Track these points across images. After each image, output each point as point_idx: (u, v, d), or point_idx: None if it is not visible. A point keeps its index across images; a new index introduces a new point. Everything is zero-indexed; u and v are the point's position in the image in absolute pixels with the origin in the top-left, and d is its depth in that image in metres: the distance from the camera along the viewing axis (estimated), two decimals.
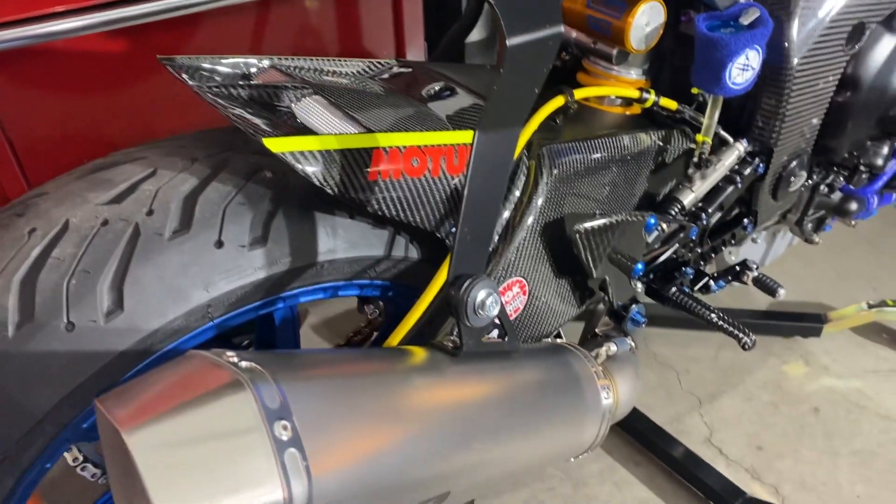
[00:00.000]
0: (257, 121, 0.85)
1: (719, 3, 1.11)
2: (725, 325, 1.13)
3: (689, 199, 1.18)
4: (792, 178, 1.29)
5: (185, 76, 0.91)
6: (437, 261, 0.97)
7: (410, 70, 1.17)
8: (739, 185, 1.22)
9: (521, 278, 1.04)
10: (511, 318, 1.06)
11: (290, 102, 0.95)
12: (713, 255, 1.32)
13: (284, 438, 0.60)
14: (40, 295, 0.76)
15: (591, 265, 1.05)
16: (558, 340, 1.04)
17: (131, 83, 1.44)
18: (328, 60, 1.10)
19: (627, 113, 1.26)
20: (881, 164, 1.40)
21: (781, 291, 1.26)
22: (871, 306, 1.99)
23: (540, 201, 1.03)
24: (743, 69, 1.09)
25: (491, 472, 0.81)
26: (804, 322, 2.05)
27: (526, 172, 1.03)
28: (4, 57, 1.26)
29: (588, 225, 1.01)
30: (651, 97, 1.18)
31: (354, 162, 0.87)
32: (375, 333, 1.24)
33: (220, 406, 0.60)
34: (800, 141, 1.27)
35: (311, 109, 0.93)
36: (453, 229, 0.90)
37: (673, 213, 1.17)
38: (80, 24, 1.22)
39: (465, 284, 0.79)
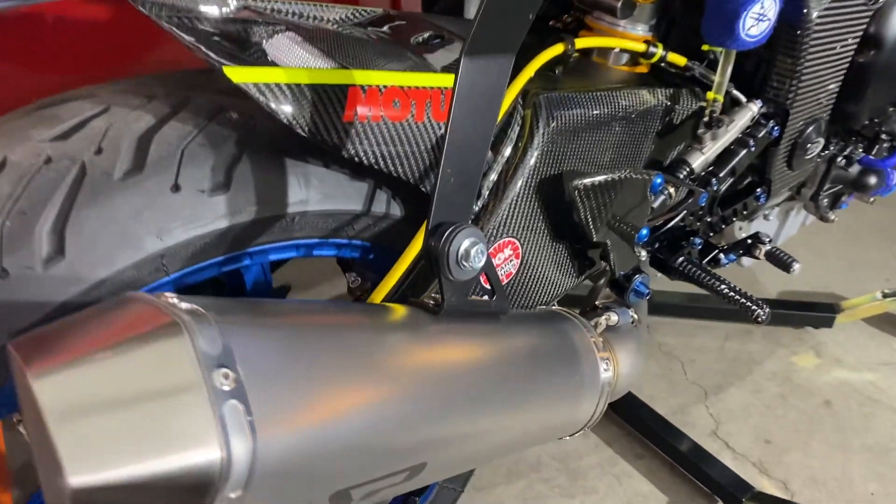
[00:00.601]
0: (219, 51, 0.76)
1: None
2: (737, 297, 1.04)
3: (698, 161, 1.09)
4: (808, 145, 1.21)
5: (142, 7, 0.82)
6: (423, 220, 0.88)
7: (401, 19, 1.08)
8: (753, 149, 1.14)
9: (513, 239, 0.95)
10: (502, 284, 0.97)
11: (261, 39, 0.86)
12: (724, 227, 1.23)
13: (225, 389, 0.51)
14: None
15: (591, 227, 0.96)
16: (554, 307, 0.94)
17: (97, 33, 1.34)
18: (311, 5, 1.01)
19: (636, 71, 1.17)
20: None
21: (796, 266, 1.18)
22: (885, 296, 1.94)
23: (535, 154, 0.94)
24: (758, 19, 1.00)
25: (473, 446, 0.71)
26: (816, 311, 1.98)
27: (520, 123, 0.94)
28: None
29: (588, 181, 0.92)
30: (658, 51, 1.09)
31: (328, 100, 0.78)
32: None
33: (150, 350, 0.51)
34: (817, 104, 1.19)
35: (283, 46, 0.84)
36: None
37: (681, 175, 1.08)
38: None
39: (448, 233, 0.71)
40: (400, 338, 0.68)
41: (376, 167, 0.84)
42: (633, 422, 1.65)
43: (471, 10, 1.70)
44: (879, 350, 1.93)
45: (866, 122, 1.28)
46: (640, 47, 1.08)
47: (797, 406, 1.75)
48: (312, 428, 0.57)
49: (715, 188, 1.13)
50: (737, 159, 1.13)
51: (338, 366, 0.60)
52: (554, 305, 0.98)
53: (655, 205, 1.04)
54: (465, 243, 0.71)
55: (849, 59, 1.19)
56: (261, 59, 0.80)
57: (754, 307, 1.03)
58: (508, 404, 0.74)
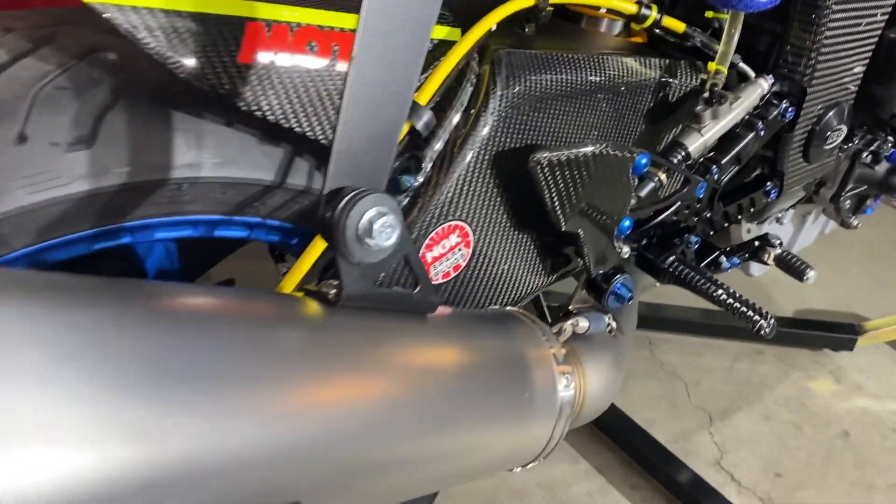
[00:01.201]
0: None
1: None
2: (737, 304, 0.87)
3: (696, 144, 0.92)
4: (828, 133, 1.05)
5: None
6: None
7: None
8: (762, 133, 0.97)
9: (462, 223, 0.79)
10: (447, 279, 0.80)
11: None
12: (726, 224, 1.06)
13: None
14: None
15: (559, 213, 0.79)
16: (508, 308, 0.77)
17: None
18: None
19: (629, 41, 1.01)
20: None
21: (811, 273, 1.01)
22: None
23: (490, 122, 0.77)
24: None
25: (369, 484, 0.54)
26: (835, 333, 1.87)
27: (474, 82, 0.78)
28: None
29: (553, 155, 0.75)
30: (652, 14, 0.92)
31: (220, 35, 0.63)
32: None
33: None
34: (839, 85, 1.03)
35: None
36: None
37: (675, 160, 0.91)
38: None
39: (346, 199, 0.54)
40: (276, 331, 0.51)
41: (286, 125, 0.68)
42: (628, 448, 1.54)
43: None
44: None
45: None
46: (632, 8, 0.91)
47: (812, 436, 1.63)
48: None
49: (715, 177, 0.96)
50: (742, 144, 0.96)
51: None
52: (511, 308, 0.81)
53: (642, 193, 0.87)
54: (370, 213, 0.54)
55: (878, 32, 1.03)
56: None
57: (757, 317, 0.86)
58: (424, 424, 0.57)
